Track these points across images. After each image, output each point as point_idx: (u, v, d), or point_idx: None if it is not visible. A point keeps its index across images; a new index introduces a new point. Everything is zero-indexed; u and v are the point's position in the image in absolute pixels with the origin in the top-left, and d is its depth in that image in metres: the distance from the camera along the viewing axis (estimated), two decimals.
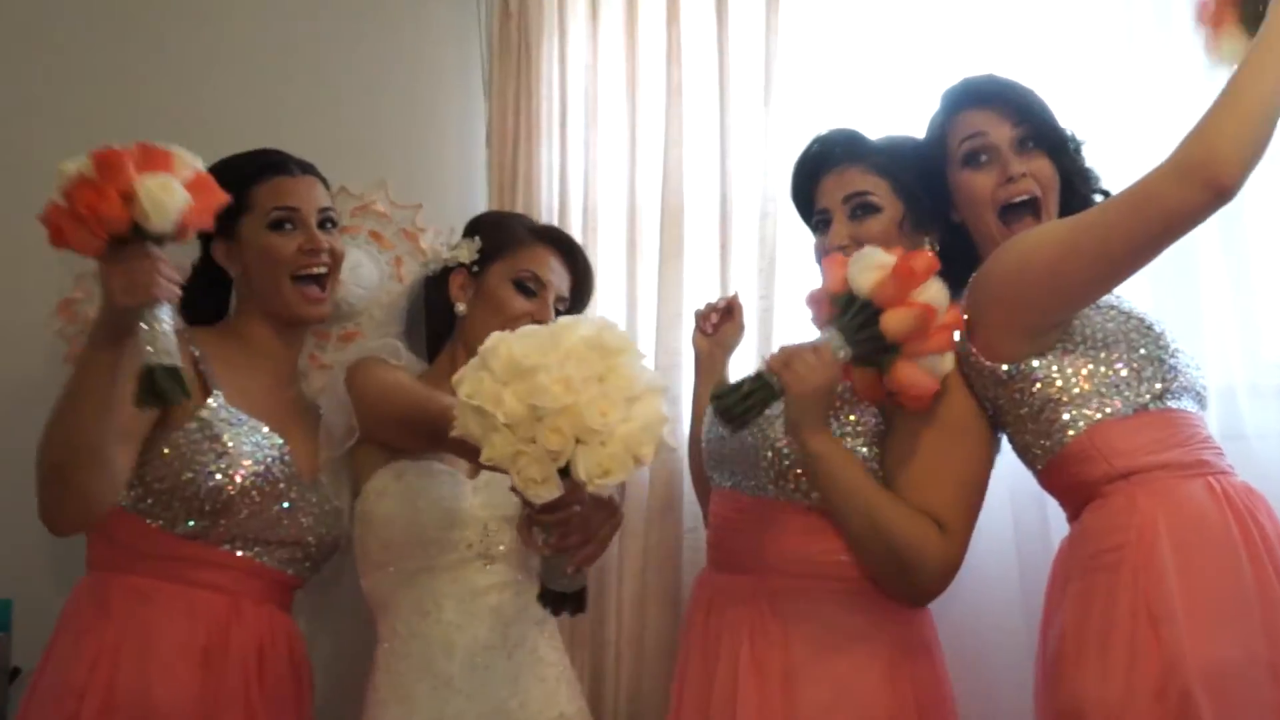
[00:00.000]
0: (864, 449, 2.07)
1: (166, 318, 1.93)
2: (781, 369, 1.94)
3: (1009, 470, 2.23)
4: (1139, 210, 1.87)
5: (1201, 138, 1.81)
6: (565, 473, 1.73)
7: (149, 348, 1.90)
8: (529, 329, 1.80)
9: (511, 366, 1.73)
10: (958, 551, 2.01)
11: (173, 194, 1.90)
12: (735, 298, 2.44)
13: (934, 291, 1.92)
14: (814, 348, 1.94)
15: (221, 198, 2.02)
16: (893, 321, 1.90)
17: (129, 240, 1.90)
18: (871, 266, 1.92)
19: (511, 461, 1.73)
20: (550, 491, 1.73)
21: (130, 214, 1.88)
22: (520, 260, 2.37)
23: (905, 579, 2.01)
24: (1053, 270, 1.94)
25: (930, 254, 1.95)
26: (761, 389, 1.93)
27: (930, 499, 1.99)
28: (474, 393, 1.74)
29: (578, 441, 1.70)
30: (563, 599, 1.92)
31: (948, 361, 1.98)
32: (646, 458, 1.74)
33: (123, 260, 1.90)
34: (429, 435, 2.04)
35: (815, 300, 2.03)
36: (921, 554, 1.98)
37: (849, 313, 1.94)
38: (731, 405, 1.92)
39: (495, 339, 1.78)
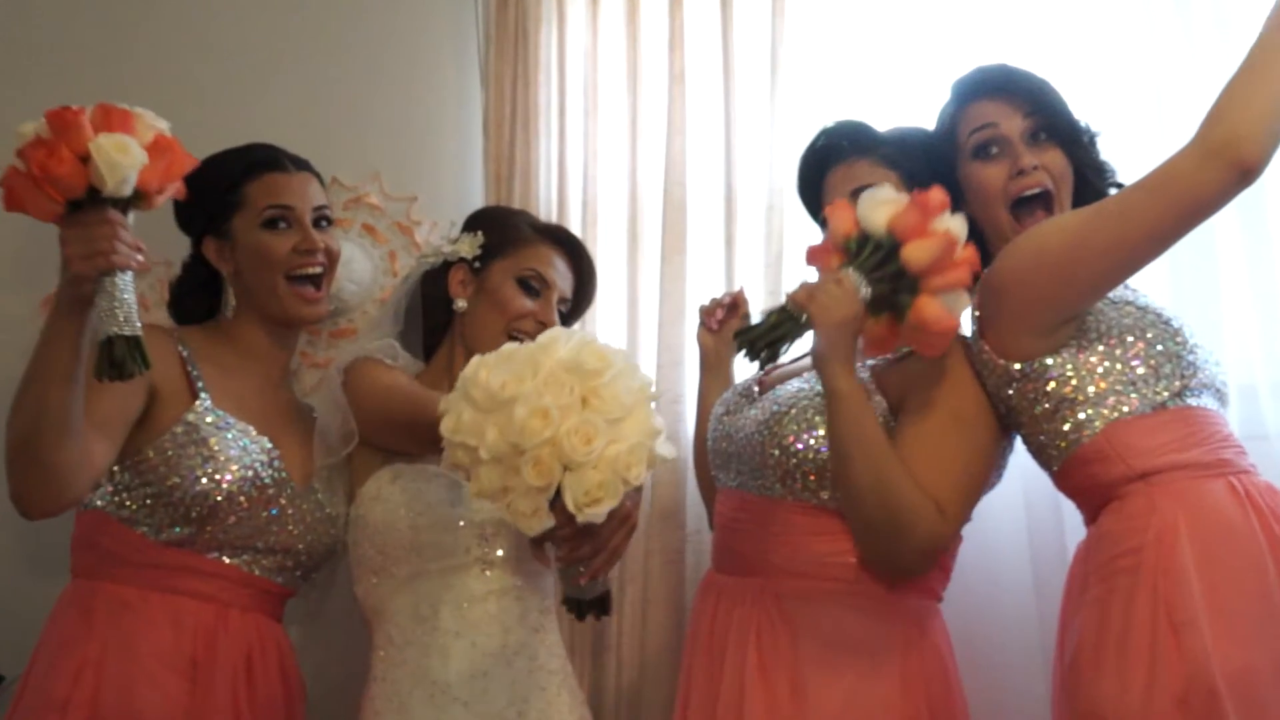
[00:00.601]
0: None
1: (127, 286, 1.88)
2: (807, 301, 1.89)
3: (1023, 472, 2.21)
4: (1161, 194, 1.84)
5: (1224, 117, 1.79)
6: (559, 497, 1.71)
7: (108, 317, 1.86)
8: (509, 350, 1.78)
9: (490, 398, 1.72)
10: (948, 533, 1.99)
11: (129, 153, 1.84)
12: (741, 292, 2.42)
13: (952, 222, 1.87)
14: (836, 279, 1.90)
15: (187, 161, 1.96)
16: (915, 252, 1.85)
17: (86, 204, 1.85)
18: (883, 202, 1.89)
19: (501, 496, 1.73)
20: (542, 524, 1.73)
21: (86, 175, 1.83)
22: (524, 258, 2.33)
23: (893, 544, 1.96)
24: (1068, 259, 1.91)
25: (942, 189, 1.90)
26: (787, 322, 1.89)
27: (931, 480, 1.95)
28: (456, 428, 1.74)
29: (565, 469, 1.69)
30: (585, 604, 1.92)
31: (964, 300, 1.93)
32: (636, 479, 1.73)
33: (80, 225, 1.85)
34: (429, 440, 2.00)
35: (820, 252, 1.98)
36: (917, 523, 1.93)
37: (864, 252, 1.89)
38: (757, 338, 1.89)
39: (475, 365, 1.77)
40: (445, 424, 1.75)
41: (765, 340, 1.89)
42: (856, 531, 1.99)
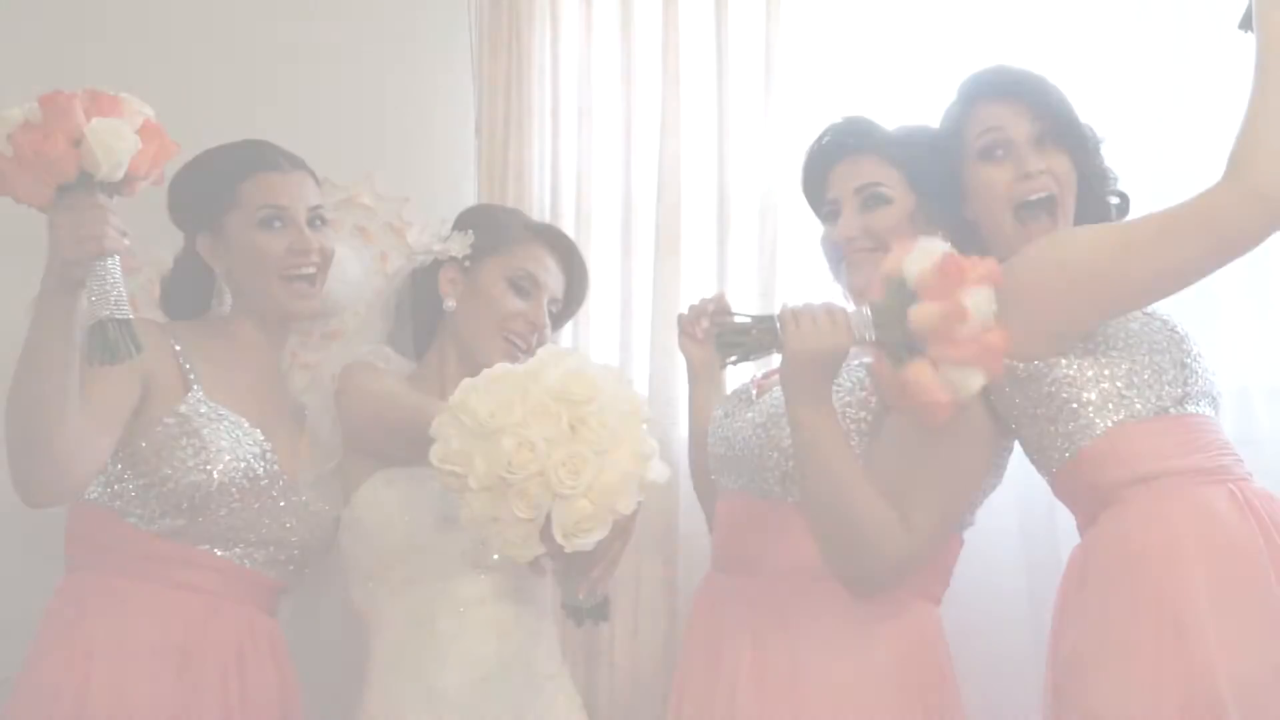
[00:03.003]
0: (855, 439, 2.02)
1: (116, 270, 1.88)
2: (790, 321, 1.88)
3: (1017, 478, 2.20)
4: (1202, 234, 1.86)
5: (1263, 153, 1.80)
6: (549, 524, 1.74)
7: (100, 301, 1.86)
8: (499, 373, 1.80)
9: (478, 426, 1.74)
10: (917, 548, 1.95)
11: (123, 139, 1.85)
12: (722, 296, 2.34)
13: (978, 299, 1.81)
14: (829, 311, 1.88)
15: (172, 147, 1.97)
16: (918, 314, 1.81)
17: (76, 189, 1.85)
18: (925, 253, 1.84)
19: (490, 525, 1.75)
20: (532, 552, 1.75)
21: (78, 160, 1.83)
22: (516, 258, 2.30)
23: (854, 564, 1.96)
24: (1095, 281, 1.91)
25: (994, 263, 1.85)
26: (763, 335, 1.88)
27: (901, 489, 1.94)
28: (446, 456, 1.77)
29: (555, 496, 1.72)
30: (584, 611, 1.94)
31: (974, 381, 1.83)
32: (626, 509, 1.75)
33: (71, 210, 1.85)
34: (423, 447, 1.98)
35: (874, 281, 1.94)
36: (877, 545, 1.92)
37: (891, 297, 1.86)
38: (729, 331, 1.88)
39: (465, 390, 1.79)
40: (435, 451, 1.78)
41: (735, 338, 1.88)
42: (820, 545, 1.98)
